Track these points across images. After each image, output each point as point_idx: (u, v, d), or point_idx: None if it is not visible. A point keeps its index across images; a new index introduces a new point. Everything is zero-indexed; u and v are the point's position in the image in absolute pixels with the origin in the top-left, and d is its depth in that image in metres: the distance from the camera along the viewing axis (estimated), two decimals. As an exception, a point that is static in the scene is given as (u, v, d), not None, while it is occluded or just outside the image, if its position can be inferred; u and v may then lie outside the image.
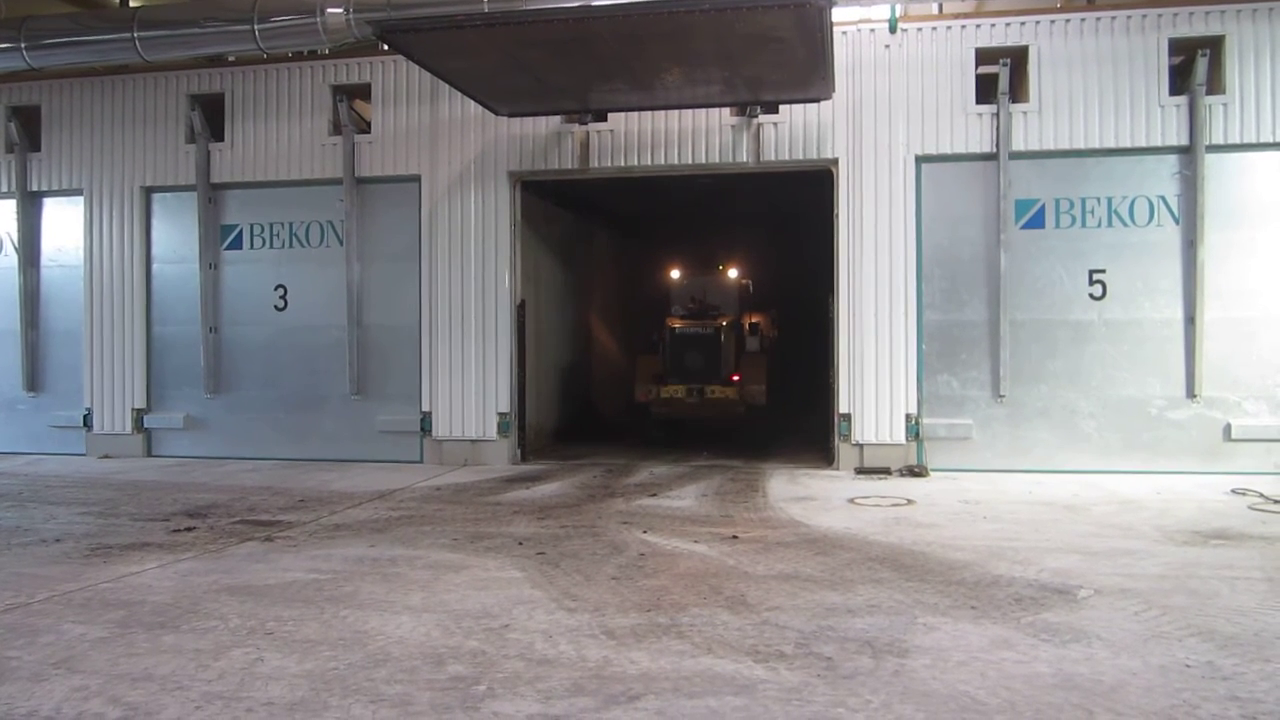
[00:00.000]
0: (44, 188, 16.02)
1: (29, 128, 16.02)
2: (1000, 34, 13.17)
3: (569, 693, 5.09)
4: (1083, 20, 12.96)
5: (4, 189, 16.07)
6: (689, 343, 16.27)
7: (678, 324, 16.53)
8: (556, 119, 14.17)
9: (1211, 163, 12.67)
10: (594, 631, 6.14)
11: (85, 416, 15.72)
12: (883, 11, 13.23)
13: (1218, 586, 7.17)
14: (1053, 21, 13.02)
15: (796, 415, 17.44)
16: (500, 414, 14.38)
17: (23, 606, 6.85)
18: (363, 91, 15.01)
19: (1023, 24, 13.09)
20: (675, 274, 18.16)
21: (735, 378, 16.16)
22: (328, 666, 5.51)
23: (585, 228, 19.62)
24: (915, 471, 12.89)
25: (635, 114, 13.89)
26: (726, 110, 13.72)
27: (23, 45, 13.33)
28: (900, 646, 5.79)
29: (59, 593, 7.21)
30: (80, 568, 8.03)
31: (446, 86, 13.32)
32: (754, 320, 18.50)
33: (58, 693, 5.14)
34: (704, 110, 13.67)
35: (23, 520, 10.28)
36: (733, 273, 18.30)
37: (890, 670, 5.40)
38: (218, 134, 15.32)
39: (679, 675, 5.34)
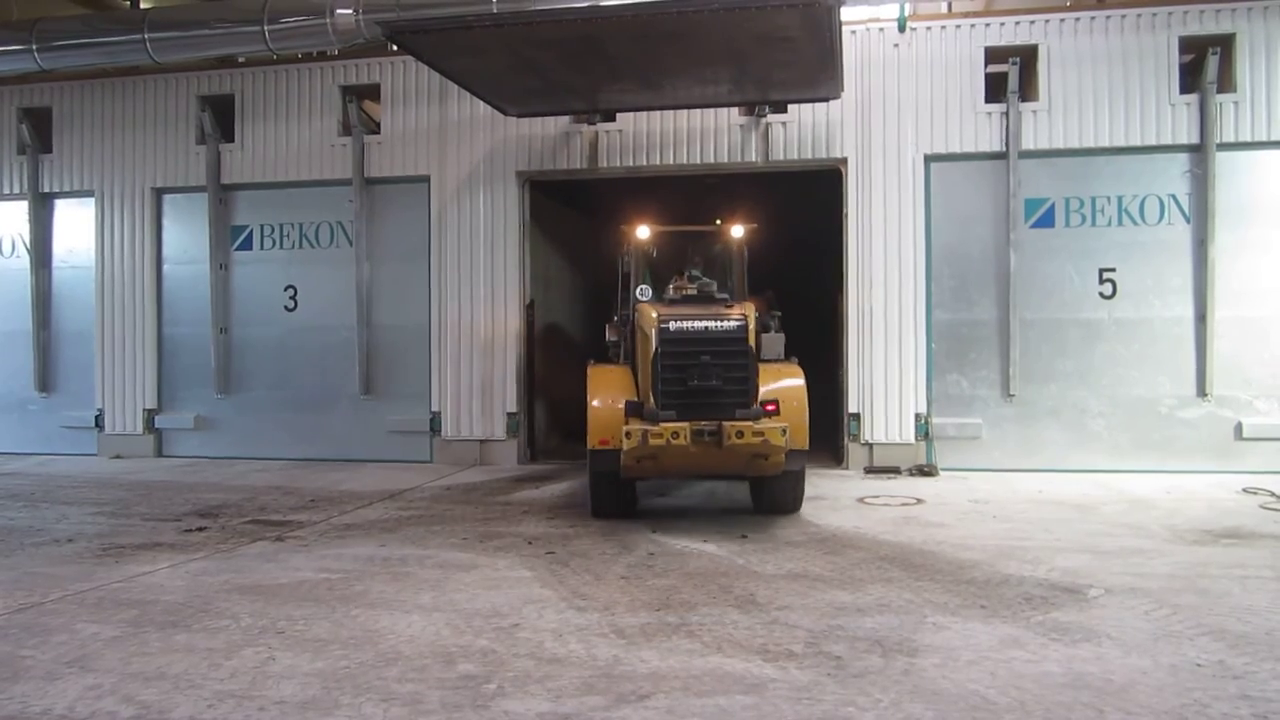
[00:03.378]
0: (55, 189, 16.08)
1: (40, 129, 16.07)
2: (1010, 33, 13.14)
3: (579, 691, 5.10)
4: (1092, 19, 12.92)
5: (16, 190, 16.14)
6: (694, 348, 9.19)
7: (668, 316, 9.41)
8: (565, 119, 14.18)
9: (1222, 161, 12.62)
10: (604, 630, 6.16)
11: (96, 417, 15.77)
12: (892, 11, 13.21)
13: (1229, 586, 7.15)
14: (1062, 20, 12.99)
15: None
16: (509, 414, 14.40)
17: (36, 606, 6.89)
18: (372, 92, 15.05)
19: (1032, 23, 13.06)
20: (644, 233, 11.35)
21: (771, 406, 9.38)
22: (339, 665, 5.54)
23: (595, 227, 19.62)
24: (925, 471, 12.86)
25: (644, 114, 13.88)
26: (735, 110, 13.70)
27: (34, 47, 13.41)
28: (910, 645, 5.79)
29: (72, 592, 7.25)
30: (92, 567, 8.08)
31: (455, 87, 13.32)
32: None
33: (71, 691, 5.17)
34: (712, 110, 13.66)
35: (35, 520, 10.34)
36: (736, 231, 11.53)
37: (900, 669, 5.40)
38: (228, 135, 15.36)
39: (689, 674, 5.35)
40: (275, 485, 12.64)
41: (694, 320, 9.44)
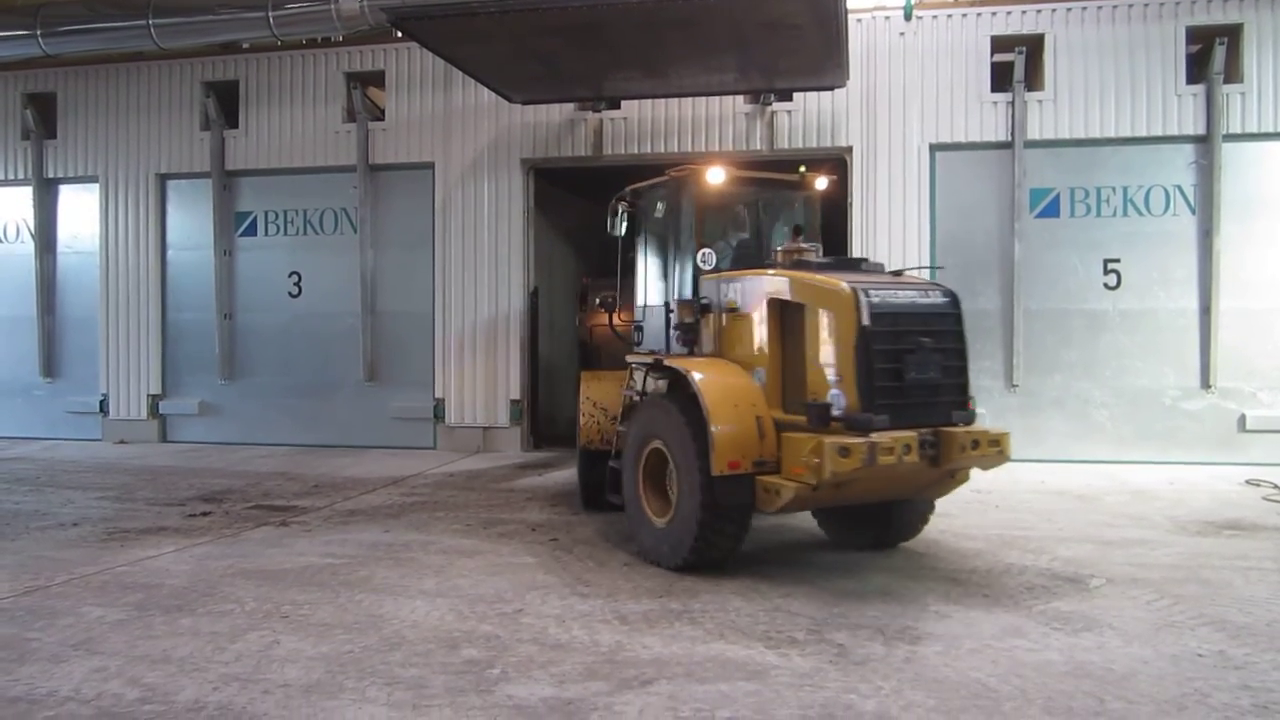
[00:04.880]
0: (60, 174, 16.11)
1: (45, 115, 16.10)
2: (1016, 22, 13.11)
3: (582, 677, 5.12)
4: (1099, 8, 12.88)
5: (20, 176, 16.16)
6: (910, 328, 6.90)
7: (861, 283, 6.94)
8: (570, 106, 14.17)
9: (1228, 152, 12.59)
10: (606, 617, 6.18)
11: (101, 402, 15.83)
12: (898, -1, 13.20)
13: (1230, 576, 7.16)
14: (1069, 9, 12.94)
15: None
16: (513, 401, 14.42)
17: (42, 589, 6.92)
18: (376, 79, 15.04)
19: (1039, 12, 13.02)
20: (716, 177, 8.41)
21: (970, 404, 7.22)
22: (343, 649, 5.56)
23: (600, 216, 19.59)
24: (927, 460, 12.82)
25: (649, 101, 13.86)
26: (740, 98, 13.69)
27: (38, 32, 13.38)
28: (912, 634, 5.80)
29: (77, 576, 7.28)
30: (98, 551, 8.11)
31: (460, 74, 13.32)
32: None
33: (77, 674, 5.20)
34: (718, 98, 13.65)
35: (41, 505, 10.37)
36: (821, 183, 9.11)
37: (902, 657, 5.42)
38: (232, 121, 15.38)
39: (691, 660, 5.37)
40: (279, 471, 12.67)
41: (897, 290, 7.06)
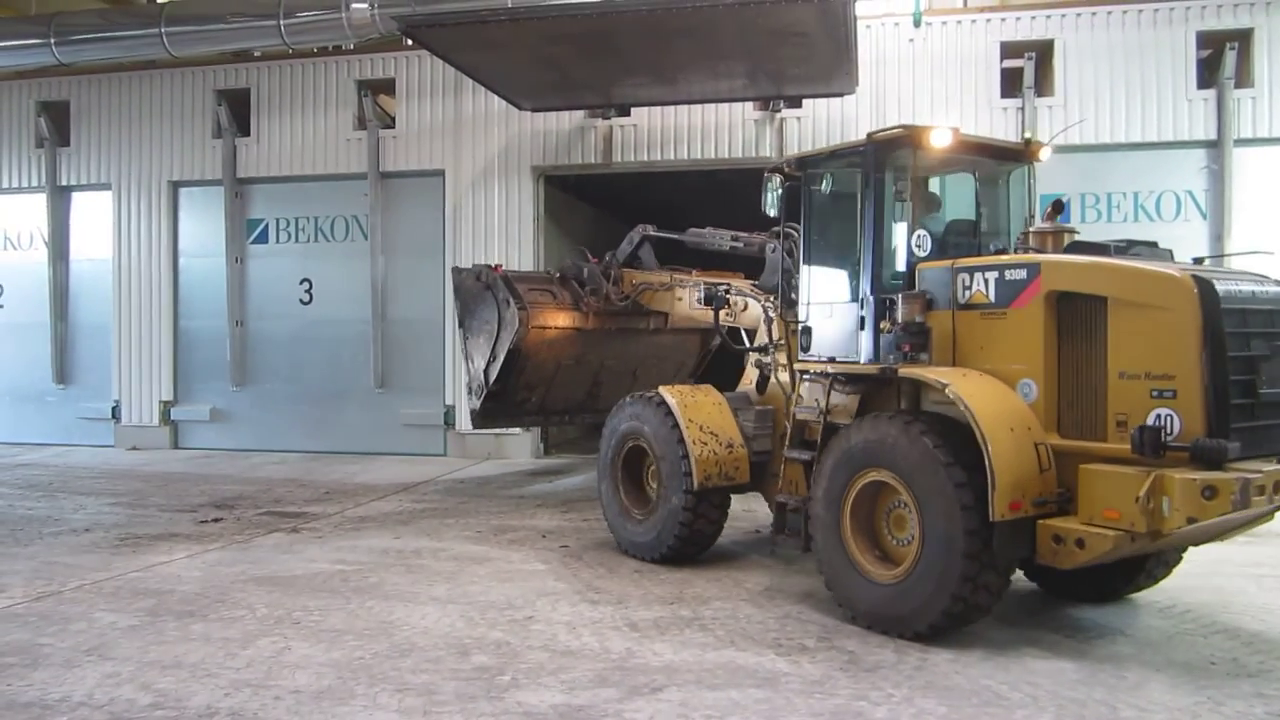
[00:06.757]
0: (73, 182, 16.20)
1: (58, 123, 16.19)
2: (1026, 27, 13.09)
3: (592, 684, 5.12)
4: (1109, 13, 12.85)
5: (34, 183, 16.26)
6: (1261, 330, 5.61)
7: (1213, 277, 5.55)
8: (579, 114, 14.18)
9: (1239, 156, 12.53)
10: (617, 623, 6.18)
11: (113, 409, 15.89)
12: (907, 5, 13.18)
13: (1244, 584, 7.14)
14: (1079, 15, 12.91)
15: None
16: (523, 407, 14.42)
17: (54, 595, 6.95)
18: (387, 86, 15.09)
19: (1049, 17, 12.99)
20: (942, 139, 6.61)
21: None
22: (354, 656, 5.57)
23: (609, 223, 19.63)
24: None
25: (658, 108, 13.87)
26: (749, 105, 13.69)
27: (52, 41, 13.54)
28: (923, 641, 5.78)
29: (89, 582, 7.31)
30: (110, 557, 8.14)
31: (470, 81, 13.37)
32: None
33: (90, 679, 5.22)
34: (727, 105, 13.64)
35: (53, 510, 10.42)
36: (1045, 154, 7.40)
37: (913, 664, 5.40)
38: (244, 129, 15.44)
39: (701, 667, 5.36)
40: (290, 477, 12.71)
41: (1238, 281, 5.72)
